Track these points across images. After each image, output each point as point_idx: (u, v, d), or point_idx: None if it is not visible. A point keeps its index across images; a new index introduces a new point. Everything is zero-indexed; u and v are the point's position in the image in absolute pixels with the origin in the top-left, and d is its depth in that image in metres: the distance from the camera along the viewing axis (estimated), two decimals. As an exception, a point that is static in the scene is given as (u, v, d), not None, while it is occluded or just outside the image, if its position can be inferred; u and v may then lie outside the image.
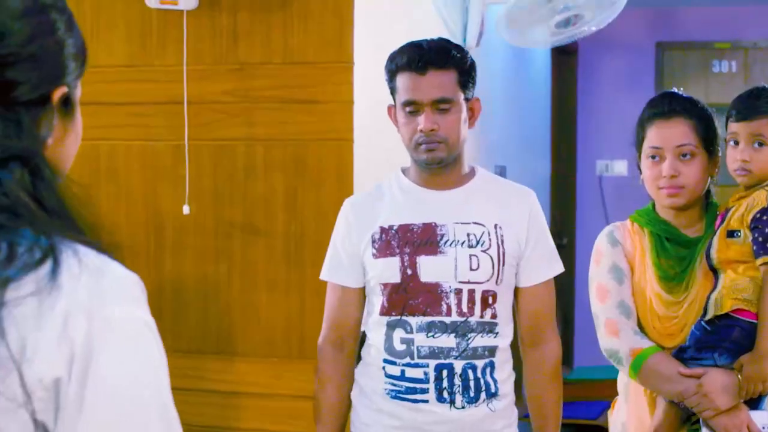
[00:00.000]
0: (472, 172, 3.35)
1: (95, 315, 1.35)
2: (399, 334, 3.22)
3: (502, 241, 3.22)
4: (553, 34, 5.53)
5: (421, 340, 3.18)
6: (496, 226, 3.23)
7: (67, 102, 1.49)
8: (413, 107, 3.18)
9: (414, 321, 3.19)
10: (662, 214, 3.33)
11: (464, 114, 3.22)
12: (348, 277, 3.33)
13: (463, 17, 5.49)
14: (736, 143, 3.19)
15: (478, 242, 3.20)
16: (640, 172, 3.34)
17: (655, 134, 3.25)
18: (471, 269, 3.18)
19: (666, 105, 3.28)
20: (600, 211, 8.78)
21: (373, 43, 4.29)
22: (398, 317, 3.21)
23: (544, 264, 3.32)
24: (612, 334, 3.25)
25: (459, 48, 3.26)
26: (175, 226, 4.36)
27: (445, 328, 3.18)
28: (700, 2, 8.84)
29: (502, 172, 6.52)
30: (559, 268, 3.36)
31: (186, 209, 4.28)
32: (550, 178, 8.59)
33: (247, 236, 4.28)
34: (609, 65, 9.22)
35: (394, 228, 3.24)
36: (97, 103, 4.40)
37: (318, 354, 3.40)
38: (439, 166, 3.23)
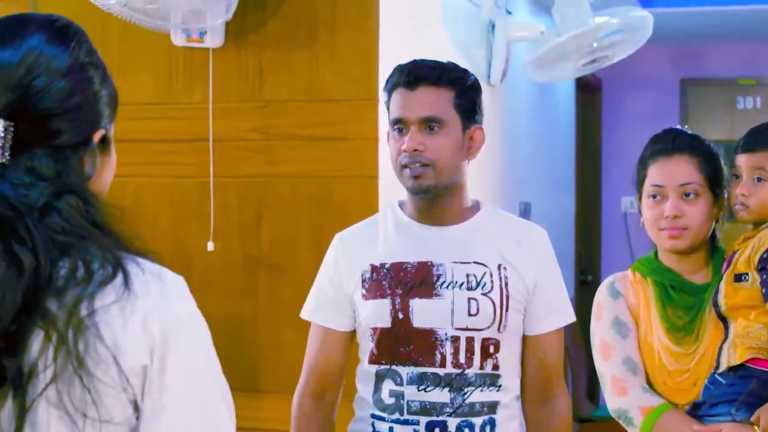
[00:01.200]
0: (475, 207, 3.02)
1: (165, 312, 1.67)
2: (388, 385, 2.88)
3: (506, 284, 2.88)
4: (579, 70, 5.55)
5: (411, 393, 2.84)
6: (500, 266, 2.89)
7: (103, 141, 1.77)
8: (401, 125, 2.89)
9: (404, 371, 2.85)
10: (665, 261, 3.12)
11: (459, 139, 2.88)
12: (333, 318, 3.02)
13: (487, 54, 5.52)
14: (738, 177, 3.04)
15: (478, 284, 2.86)
16: (641, 214, 3.14)
17: (656, 172, 3.08)
18: (470, 314, 2.84)
19: (669, 142, 3.11)
20: (625, 248, 8.76)
21: (398, 80, 4.30)
22: (387, 366, 2.88)
23: (554, 311, 3.00)
24: (619, 392, 3.03)
25: (461, 69, 2.97)
26: (201, 263, 4.37)
27: (438, 381, 2.84)
28: (724, 39, 8.84)
29: (526, 208, 6.52)
30: (570, 316, 3.04)
31: (210, 246, 4.29)
32: (575, 215, 8.58)
33: (273, 273, 4.29)
34: (633, 102, 9.23)
35: (386, 266, 2.91)
36: (124, 141, 4.40)
37: (294, 406, 3.09)
38: (428, 195, 2.89)
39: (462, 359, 2.84)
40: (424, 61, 2.96)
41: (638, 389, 3.01)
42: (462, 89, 2.91)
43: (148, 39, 4.36)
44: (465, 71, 2.97)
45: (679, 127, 3.24)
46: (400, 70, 2.93)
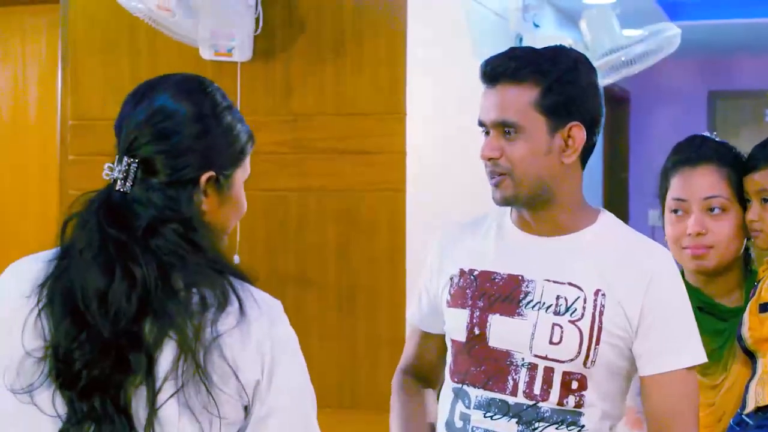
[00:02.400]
0: (591, 218, 2.57)
1: (272, 336, 2.01)
2: (460, 407, 2.56)
3: (601, 313, 2.45)
4: (603, 76, 5.55)
5: (477, 419, 2.52)
6: (597, 292, 2.46)
7: (218, 182, 2.06)
8: (483, 128, 2.53)
9: (473, 394, 2.53)
10: (693, 281, 2.80)
11: (543, 144, 2.47)
12: (424, 320, 2.76)
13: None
14: (749, 201, 2.74)
15: (567, 309, 2.47)
16: (665, 231, 2.84)
17: (679, 184, 2.75)
18: (551, 342, 2.46)
19: (693, 150, 2.77)
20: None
21: (425, 93, 4.30)
22: (460, 385, 2.56)
23: (668, 350, 2.47)
24: (634, 424, 2.74)
25: (556, 57, 2.51)
26: (227, 275, 4.37)
27: (506, 410, 2.49)
28: (752, 52, 8.81)
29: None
30: (692, 358, 2.49)
31: (236, 259, 4.29)
32: (602, 228, 8.54)
33: (299, 287, 4.29)
34: (661, 114, 9.21)
35: (475, 273, 2.57)
36: (152, 154, 4.44)
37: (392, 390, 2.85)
38: (513, 206, 2.57)
39: (536, 390, 2.47)
40: (514, 50, 2.56)
41: None
42: (550, 84, 2.46)
43: (177, 52, 4.38)
44: (560, 59, 2.51)
45: (706, 133, 2.91)
46: (485, 61, 2.55)
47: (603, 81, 5.78)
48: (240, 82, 4.32)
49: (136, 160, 2.02)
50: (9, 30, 5.41)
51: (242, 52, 4.21)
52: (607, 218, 2.58)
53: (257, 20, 4.24)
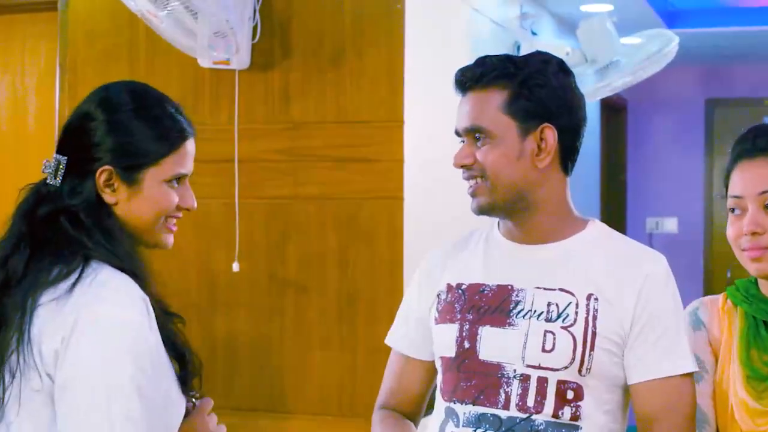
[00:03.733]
0: (580, 226, 2.50)
1: (83, 311, 2.05)
2: (449, 427, 2.44)
3: (594, 318, 2.36)
4: (596, 90, 5.55)
5: None
6: (590, 297, 2.37)
7: (121, 177, 2.20)
8: (459, 138, 2.50)
9: (462, 411, 2.41)
10: (765, 289, 2.46)
11: (515, 148, 2.40)
12: (412, 344, 2.62)
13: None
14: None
15: (559, 315, 2.37)
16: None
17: (736, 179, 2.44)
18: (543, 350, 2.36)
19: (749, 142, 2.45)
20: (650, 269, 8.72)
21: (423, 102, 4.31)
22: (449, 404, 2.44)
23: (661, 355, 2.37)
24: None
25: (525, 61, 2.47)
26: (226, 284, 4.37)
27: (498, 425, 2.36)
28: (750, 60, 8.82)
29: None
30: (684, 365, 2.38)
31: (236, 266, 4.30)
32: (600, 236, 8.54)
33: (299, 294, 4.29)
34: (658, 122, 9.22)
35: (463, 287, 2.49)
36: (150, 162, 4.45)
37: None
38: (492, 215, 2.50)
39: (530, 402, 2.35)
40: (485, 58, 2.50)
41: None
42: (517, 87, 2.41)
43: (175, 61, 4.38)
44: (529, 62, 2.46)
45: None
46: (457, 71, 2.53)
47: (601, 94, 5.80)
48: (238, 91, 4.32)
49: (65, 157, 2.22)
50: (8, 38, 5.40)
51: (240, 61, 4.22)
52: (597, 226, 2.53)
53: (255, 28, 4.25)
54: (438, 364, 2.51)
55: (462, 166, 2.45)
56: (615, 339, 2.37)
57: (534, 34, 5.81)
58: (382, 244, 4.17)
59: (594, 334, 2.35)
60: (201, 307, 4.42)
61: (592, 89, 5.59)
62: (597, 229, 2.52)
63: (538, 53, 2.52)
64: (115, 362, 2.04)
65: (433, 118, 4.42)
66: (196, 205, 2.41)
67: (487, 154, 2.41)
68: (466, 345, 2.42)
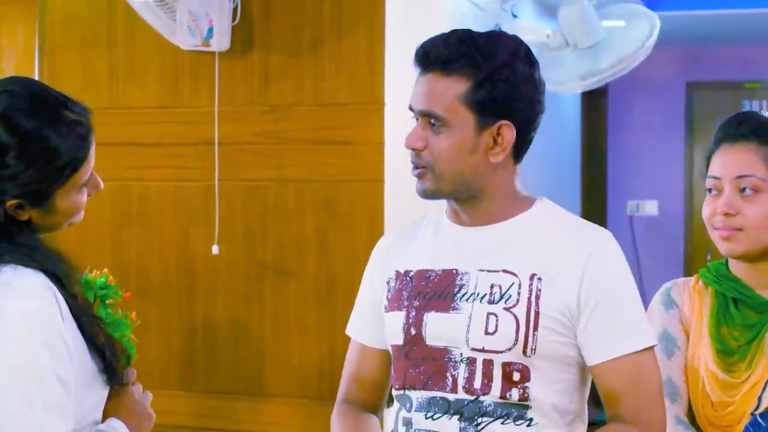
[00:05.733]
0: (526, 205, 2.44)
1: None
2: (402, 413, 2.42)
3: (537, 297, 2.31)
4: (580, 86, 5.54)
5: (419, 421, 2.37)
6: (533, 276, 2.33)
7: (37, 203, 2.15)
8: (413, 115, 2.40)
9: (414, 396, 2.38)
10: (735, 269, 2.58)
11: (469, 141, 2.33)
12: (367, 333, 2.58)
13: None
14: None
15: (501, 297, 2.33)
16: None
17: (716, 161, 2.55)
18: (486, 332, 2.32)
19: (734, 127, 2.56)
20: (631, 252, 8.74)
21: (404, 84, 4.29)
22: (401, 391, 2.42)
23: (618, 334, 2.32)
24: None
25: (492, 48, 2.33)
26: (206, 267, 4.37)
27: (447, 408, 2.35)
28: (730, 42, 8.83)
29: (532, 212, 6.48)
30: (641, 341, 2.33)
31: (215, 249, 4.29)
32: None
33: (278, 278, 4.28)
34: (639, 105, 9.23)
35: (411, 274, 2.45)
36: (129, 144, 4.44)
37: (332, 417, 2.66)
38: (435, 199, 2.43)
39: (477, 384, 2.32)
40: (451, 34, 2.37)
41: (672, 419, 2.50)
42: (481, 80, 2.31)
43: (155, 44, 4.36)
44: (497, 52, 2.34)
45: (756, 110, 2.68)
46: (420, 44, 2.39)
47: (591, 86, 5.79)
48: (218, 73, 4.31)
49: None
50: (-15, 21, 5.38)
51: (220, 43, 4.20)
52: (543, 204, 2.45)
53: (235, 10, 4.24)
54: (391, 353, 2.48)
55: (413, 149, 2.36)
56: (560, 318, 2.31)
57: (515, 16, 5.80)
58: (362, 227, 4.17)
59: (537, 314, 2.30)
60: (180, 290, 4.41)
61: (580, 83, 5.58)
62: (543, 207, 2.45)
63: (507, 39, 2.40)
64: (28, 352, 2.02)
65: (413, 101, 4.42)
66: (102, 186, 2.29)
67: (440, 143, 2.33)
68: (413, 332, 2.39)
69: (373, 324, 2.55)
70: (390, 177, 4.16)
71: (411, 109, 2.38)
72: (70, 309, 2.12)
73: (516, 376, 2.31)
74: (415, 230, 2.55)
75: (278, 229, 4.29)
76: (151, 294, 4.43)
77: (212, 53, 4.28)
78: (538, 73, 2.41)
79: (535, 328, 2.30)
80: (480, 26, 5.36)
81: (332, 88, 4.22)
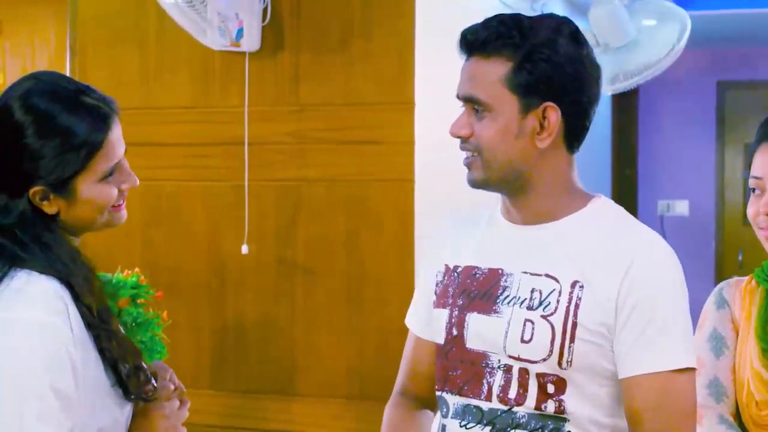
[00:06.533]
0: (581, 203, 2.30)
1: None
2: (439, 418, 2.34)
3: (577, 306, 2.16)
4: (610, 89, 5.53)
5: (453, 428, 2.28)
6: (574, 284, 2.18)
7: (60, 191, 2.13)
8: (461, 104, 2.29)
9: (451, 401, 2.29)
10: None
11: (513, 125, 2.21)
12: (420, 324, 2.46)
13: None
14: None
15: (540, 303, 2.20)
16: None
17: (757, 160, 2.47)
18: (522, 340, 2.19)
19: None
20: (661, 252, 8.71)
21: (433, 83, 4.29)
22: (440, 393, 2.32)
23: (646, 349, 2.15)
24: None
25: (537, 28, 2.22)
26: (236, 266, 4.37)
27: (480, 417, 2.24)
28: (760, 41, 8.79)
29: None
30: (675, 360, 2.14)
31: (245, 248, 4.30)
32: (611, 219, 8.53)
33: (308, 277, 4.29)
34: (670, 105, 9.19)
35: (459, 269, 2.34)
36: (160, 144, 4.45)
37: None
38: (485, 189, 2.31)
39: (511, 394, 2.20)
40: (493, 19, 2.25)
41: (714, 419, 2.46)
42: (521, 60, 2.19)
43: (185, 44, 4.38)
44: (538, 30, 2.21)
45: None
46: (463, 30, 2.28)
47: (623, 88, 5.77)
48: (248, 73, 4.31)
49: None
50: (18, 21, 5.40)
51: (250, 43, 4.21)
52: (600, 203, 2.30)
53: (265, 11, 4.24)
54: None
55: (458, 137, 2.26)
56: (600, 330, 2.16)
57: (545, 16, 5.78)
58: (392, 227, 4.16)
59: (575, 324, 2.15)
60: (211, 289, 4.42)
61: (609, 87, 5.56)
62: (597, 207, 2.29)
63: (550, 18, 2.27)
64: (28, 363, 2.01)
65: (443, 99, 4.39)
66: (138, 182, 2.27)
67: (485, 128, 2.21)
68: (454, 332, 2.28)
69: (424, 315, 2.43)
70: (420, 176, 4.15)
71: (457, 97, 2.27)
72: (84, 320, 2.10)
73: (551, 388, 2.18)
74: (470, 222, 2.44)
75: (308, 228, 4.29)
76: (181, 293, 4.44)
77: (242, 53, 4.29)
78: (589, 53, 2.28)
79: (572, 340, 2.16)
80: (510, 25, 5.35)
81: (362, 87, 4.22)
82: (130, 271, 3.80)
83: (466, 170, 2.28)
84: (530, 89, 2.19)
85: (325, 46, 4.26)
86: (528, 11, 5.35)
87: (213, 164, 4.44)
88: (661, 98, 9.17)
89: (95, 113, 2.15)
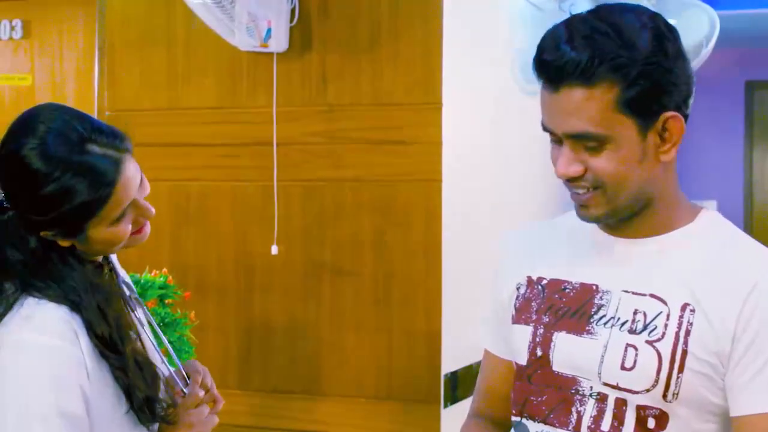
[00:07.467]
0: (689, 216, 2.09)
1: (6, 337, 2.05)
2: None
3: (687, 333, 1.94)
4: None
5: None
6: (684, 306, 1.96)
7: (71, 235, 2.15)
8: (552, 136, 2.03)
9: (533, 429, 2.10)
10: None
11: (636, 148, 1.97)
12: (497, 342, 2.30)
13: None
14: None
15: (645, 327, 1.98)
16: None
17: None
18: (623, 367, 1.98)
19: None
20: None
21: (461, 83, 4.29)
22: (519, 419, 2.13)
23: (764, 386, 1.92)
24: None
25: (634, 38, 1.93)
26: (264, 266, 4.38)
27: None
28: (790, 41, 8.76)
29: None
30: None
31: (274, 249, 4.30)
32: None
33: (336, 277, 4.29)
34: (697, 105, 9.09)
35: (543, 282, 2.15)
36: (187, 145, 4.45)
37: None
38: (606, 222, 2.09)
39: (604, 427, 2.00)
40: (572, 36, 1.95)
41: None
42: (632, 79, 1.93)
43: (213, 45, 4.38)
44: (637, 40, 1.94)
45: None
46: (539, 54, 1.99)
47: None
48: (276, 73, 4.32)
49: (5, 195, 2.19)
50: (46, 22, 5.43)
51: (278, 43, 4.21)
52: (709, 217, 2.09)
53: (293, 11, 4.25)
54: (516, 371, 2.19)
55: (570, 178, 2.01)
56: (711, 360, 1.95)
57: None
58: (420, 227, 4.16)
59: (684, 352, 1.94)
60: (239, 290, 4.43)
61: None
62: (708, 221, 2.09)
63: (635, 15, 2.00)
64: (35, 387, 2.02)
65: (471, 100, 4.41)
66: (153, 212, 2.31)
67: (607, 162, 1.96)
68: (539, 352, 2.08)
69: (497, 330, 2.27)
70: (448, 176, 4.15)
71: (547, 130, 2.03)
72: (96, 349, 2.11)
73: (651, 423, 1.97)
74: (549, 229, 2.26)
75: (336, 228, 4.29)
76: (209, 294, 4.45)
77: (270, 54, 4.30)
78: (681, 40, 2.06)
79: (680, 370, 1.95)
80: (539, 25, 5.34)
81: (390, 87, 4.21)
82: (158, 272, 3.81)
83: (578, 206, 2.07)
84: (646, 105, 1.96)
85: (352, 46, 4.26)
86: (556, 11, 5.34)
87: (241, 165, 4.44)
88: (689, 98, 9.15)
89: (102, 166, 2.12)
